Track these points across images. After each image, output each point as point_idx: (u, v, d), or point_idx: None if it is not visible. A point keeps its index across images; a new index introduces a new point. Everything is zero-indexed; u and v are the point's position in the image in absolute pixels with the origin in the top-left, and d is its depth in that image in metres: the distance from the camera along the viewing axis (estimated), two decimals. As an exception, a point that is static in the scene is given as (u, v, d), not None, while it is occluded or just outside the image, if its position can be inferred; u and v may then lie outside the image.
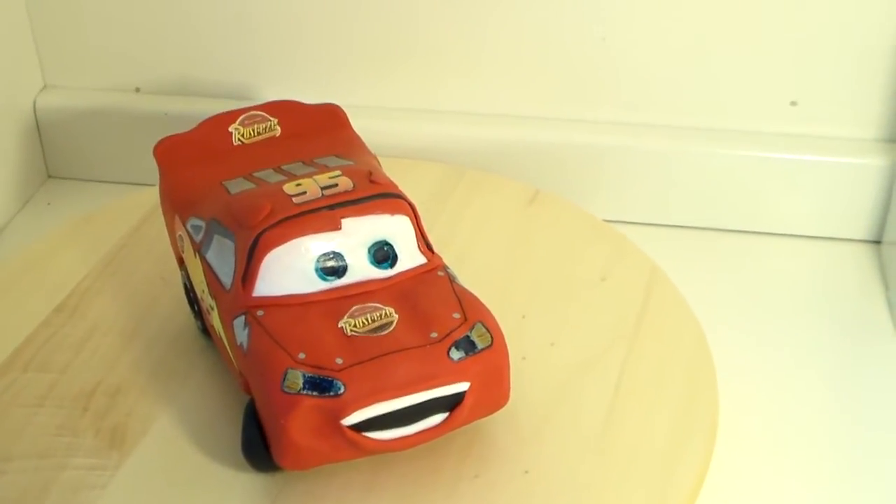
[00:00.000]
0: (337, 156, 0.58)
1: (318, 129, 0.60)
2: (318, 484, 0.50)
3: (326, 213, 0.51)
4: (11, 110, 0.75)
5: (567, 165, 0.72)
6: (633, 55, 0.70)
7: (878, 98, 0.69)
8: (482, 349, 0.49)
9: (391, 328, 0.49)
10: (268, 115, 0.60)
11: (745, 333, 0.63)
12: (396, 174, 0.56)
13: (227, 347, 0.52)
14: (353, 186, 0.52)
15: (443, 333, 0.49)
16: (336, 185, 0.52)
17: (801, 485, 0.55)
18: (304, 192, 0.52)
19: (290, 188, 0.52)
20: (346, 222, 0.51)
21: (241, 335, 0.50)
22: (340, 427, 0.47)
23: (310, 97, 0.62)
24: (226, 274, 0.51)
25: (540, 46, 0.71)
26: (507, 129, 0.73)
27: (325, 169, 0.55)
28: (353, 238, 0.51)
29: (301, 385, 0.47)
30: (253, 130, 0.59)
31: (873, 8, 0.66)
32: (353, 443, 0.47)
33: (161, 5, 0.74)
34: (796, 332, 0.64)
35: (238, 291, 0.50)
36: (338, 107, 0.62)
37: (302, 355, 0.48)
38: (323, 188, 0.52)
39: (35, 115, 0.77)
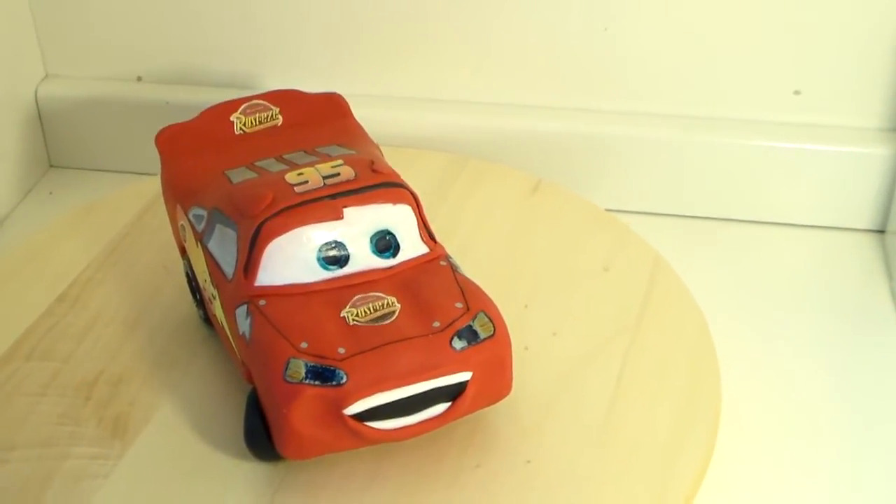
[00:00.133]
0: (339, 145, 0.58)
1: (320, 119, 0.60)
2: (321, 473, 0.50)
3: (328, 202, 0.51)
4: (13, 100, 0.75)
5: (570, 155, 0.72)
6: (635, 45, 0.70)
7: (881, 87, 0.69)
8: (484, 339, 0.49)
9: (393, 318, 0.49)
10: (270, 104, 0.59)
11: (748, 323, 0.63)
12: (399, 163, 0.56)
13: (230, 337, 0.52)
14: (355, 175, 0.52)
15: (445, 323, 0.49)
16: (338, 174, 0.52)
17: (803, 475, 0.55)
18: (306, 182, 0.52)
19: (291, 177, 0.52)
20: (348, 211, 0.51)
21: (244, 324, 0.50)
22: (342, 416, 0.47)
23: (312, 86, 0.62)
24: (228, 263, 0.51)
25: (543, 36, 0.71)
26: (509, 119, 0.72)
27: (327, 158, 0.54)
28: (355, 227, 0.51)
29: (303, 374, 0.47)
30: (255, 119, 0.59)
31: (877, -3, 0.66)
32: (356, 432, 0.47)
33: (163, -6, 0.74)
34: (799, 321, 0.64)
35: (240, 281, 0.50)
36: (340, 96, 0.62)
37: (304, 345, 0.48)
38: (325, 177, 0.52)
39: (37, 105, 0.77)
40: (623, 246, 0.64)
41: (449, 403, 0.49)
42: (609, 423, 0.53)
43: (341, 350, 0.48)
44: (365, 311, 0.49)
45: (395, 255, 0.52)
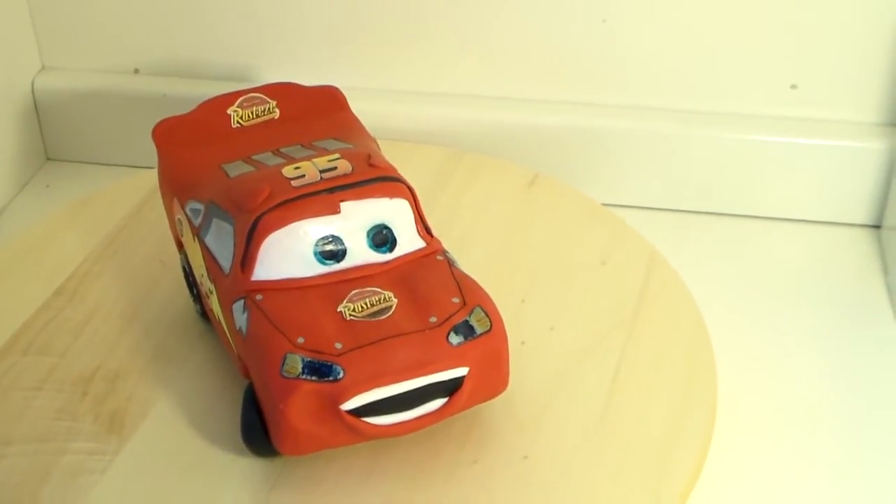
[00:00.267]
0: (336, 139, 0.57)
1: (317, 112, 0.60)
2: (317, 469, 0.50)
3: (325, 196, 0.51)
4: (9, 92, 0.75)
5: (566, 149, 0.72)
6: (633, 38, 0.70)
7: (878, 81, 0.69)
8: (481, 334, 0.49)
9: (390, 312, 0.49)
10: (267, 98, 0.59)
11: (744, 318, 0.63)
12: (395, 157, 0.56)
13: (227, 332, 0.52)
14: (352, 170, 0.52)
15: (442, 318, 0.49)
16: (335, 168, 0.52)
17: (800, 469, 0.55)
18: (303, 176, 0.52)
19: (288, 171, 0.52)
20: (345, 206, 0.51)
21: (240, 319, 0.50)
22: (339, 412, 0.47)
23: (309, 79, 0.62)
24: (225, 258, 0.51)
25: (540, 29, 0.71)
26: (506, 112, 0.72)
27: (324, 152, 0.54)
28: (352, 222, 0.51)
29: (300, 370, 0.47)
30: (252, 113, 0.59)
31: (875, -9, 0.66)
32: (352, 428, 0.47)
33: (159, -14, 0.73)
34: (795, 316, 0.64)
35: (237, 275, 0.50)
36: (337, 89, 0.61)
37: (301, 340, 0.48)
38: (322, 171, 0.52)
39: (33, 97, 0.77)
40: (620, 240, 0.64)
41: (446, 399, 0.49)
42: (606, 417, 0.53)
43: (338, 345, 0.48)
44: (362, 306, 0.49)
45: (391, 249, 0.52)
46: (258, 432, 0.49)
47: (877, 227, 0.70)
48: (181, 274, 0.59)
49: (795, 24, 0.68)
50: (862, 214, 0.70)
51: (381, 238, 0.51)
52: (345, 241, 0.51)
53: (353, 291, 0.50)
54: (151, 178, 0.63)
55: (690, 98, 0.71)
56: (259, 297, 0.50)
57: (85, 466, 0.51)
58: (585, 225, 0.65)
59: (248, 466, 0.51)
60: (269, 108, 0.59)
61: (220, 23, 0.74)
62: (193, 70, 0.76)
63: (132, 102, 0.76)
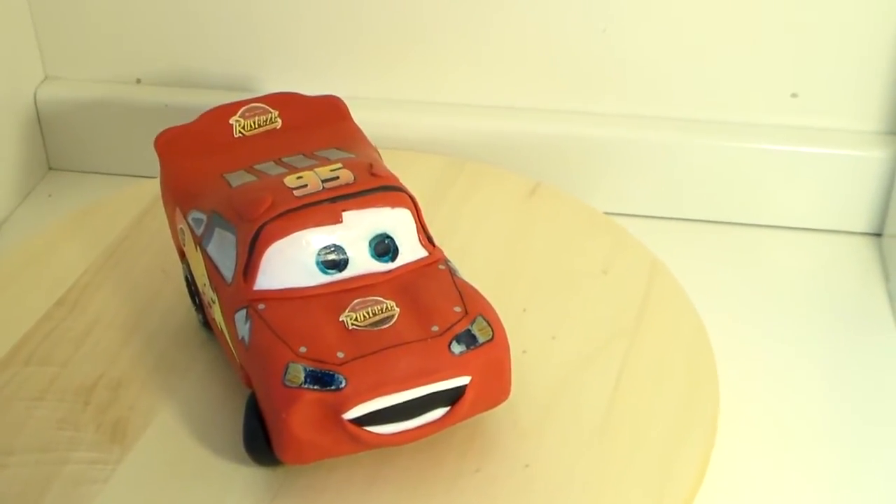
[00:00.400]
0: (338, 148, 0.58)
1: (318, 122, 0.60)
2: (319, 478, 0.50)
3: (327, 205, 0.51)
4: (12, 102, 0.75)
5: (567, 158, 0.72)
6: (633, 47, 0.70)
7: (878, 90, 0.69)
8: (483, 343, 0.49)
9: (392, 322, 0.49)
10: (268, 108, 0.59)
11: (745, 326, 0.63)
12: (397, 166, 0.56)
13: (229, 341, 0.52)
14: (354, 179, 0.52)
15: (444, 327, 0.49)
16: (337, 177, 0.52)
17: (802, 477, 0.55)
18: (305, 185, 0.52)
19: (290, 181, 0.52)
20: (347, 215, 0.51)
21: (243, 329, 0.50)
22: (342, 421, 0.47)
23: (311, 89, 0.62)
24: (227, 267, 0.52)
25: (541, 38, 0.71)
26: (507, 122, 0.72)
27: (326, 161, 0.55)
28: (354, 231, 0.51)
29: (302, 379, 0.47)
30: (254, 122, 0.59)
31: (874, 0, 0.66)
32: (355, 437, 0.47)
33: (161, -3, 0.74)
34: (797, 324, 0.64)
35: (239, 285, 0.50)
36: (338, 99, 0.62)
37: (303, 349, 0.48)
38: (324, 181, 0.52)
39: (36, 107, 0.77)
40: (621, 249, 0.64)
41: (448, 408, 0.49)
42: (607, 426, 0.53)
43: (340, 354, 0.48)
44: (364, 316, 0.49)
45: (393, 258, 0.52)
46: (260, 441, 0.49)
47: (878, 234, 0.70)
48: (183, 283, 0.59)
49: (796, 33, 0.68)
50: (863, 222, 0.70)
51: (383, 247, 0.52)
52: (347, 250, 0.51)
53: (356, 301, 0.50)
54: (153, 187, 0.63)
55: (691, 107, 0.71)
56: (261, 306, 0.50)
57: (87, 476, 0.51)
58: (587, 234, 0.65)
59: (250, 475, 0.51)
60: (271, 118, 0.59)
61: (221, 33, 0.74)
62: (195, 80, 0.76)
63: (134, 112, 0.76)
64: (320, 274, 0.50)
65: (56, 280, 0.62)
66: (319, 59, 0.74)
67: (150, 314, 0.60)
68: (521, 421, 0.53)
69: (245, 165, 0.56)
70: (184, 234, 0.56)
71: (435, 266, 0.52)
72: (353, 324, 0.49)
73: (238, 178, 0.55)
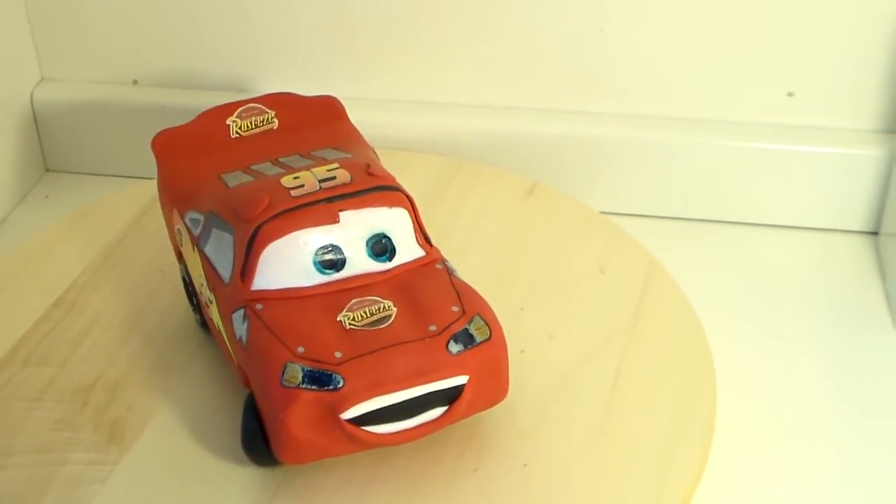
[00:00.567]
0: (335, 148, 0.58)
1: (315, 122, 0.60)
2: (318, 478, 0.50)
3: (324, 205, 0.51)
4: (8, 103, 0.75)
5: (564, 157, 0.72)
6: (630, 47, 0.70)
7: (875, 89, 0.69)
8: (481, 342, 0.49)
9: (390, 321, 0.49)
10: (265, 108, 0.59)
11: (742, 325, 0.63)
12: (394, 166, 0.56)
13: (227, 341, 0.52)
14: (351, 179, 0.52)
15: (441, 326, 0.49)
16: (334, 177, 0.52)
17: (799, 476, 0.55)
18: (302, 185, 0.52)
19: (287, 181, 0.52)
20: (345, 215, 0.51)
21: (240, 329, 0.50)
22: (340, 421, 0.47)
23: (307, 89, 0.62)
24: (224, 267, 0.52)
25: (538, 38, 0.71)
26: (504, 121, 0.72)
27: (323, 161, 0.55)
28: (352, 231, 0.51)
29: (300, 379, 0.47)
30: (250, 123, 0.59)
31: (870, -1, 0.66)
32: (353, 437, 0.48)
33: (158, -2, 0.74)
34: (794, 323, 0.64)
35: (237, 285, 0.50)
36: (335, 99, 0.62)
37: (301, 349, 0.48)
38: (321, 181, 0.52)
39: (32, 108, 0.77)
40: (618, 248, 0.64)
41: (446, 407, 0.49)
42: (605, 425, 0.53)
43: (338, 354, 0.48)
44: (361, 315, 0.49)
45: (391, 258, 0.52)
46: (258, 441, 0.49)
47: (874, 233, 0.70)
48: (181, 284, 0.59)
49: (791, 32, 0.68)
50: (859, 221, 0.70)
51: (381, 247, 0.52)
52: (344, 250, 0.51)
53: (353, 300, 0.50)
54: (150, 188, 0.63)
55: (688, 106, 0.71)
56: (259, 306, 0.50)
57: (85, 477, 0.51)
58: (584, 233, 0.65)
59: (248, 476, 0.51)
60: (268, 119, 0.59)
61: (218, 34, 0.74)
62: (192, 81, 0.76)
63: (131, 113, 0.76)
64: (318, 274, 0.51)
65: (54, 281, 0.62)
66: (316, 60, 0.74)
67: (148, 315, 0.60)
68: (519, 420, 0.53)
69: (242, 166, 0.56)
70: (181, 235, 0.56)
71: (432, 266, 0.52)
72: (350, 323, 0.49)
73: (235, 179, 0.55)
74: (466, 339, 0.49)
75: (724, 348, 0.58)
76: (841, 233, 0.71)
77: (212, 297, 0.52)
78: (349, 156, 0.56)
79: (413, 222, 0.53)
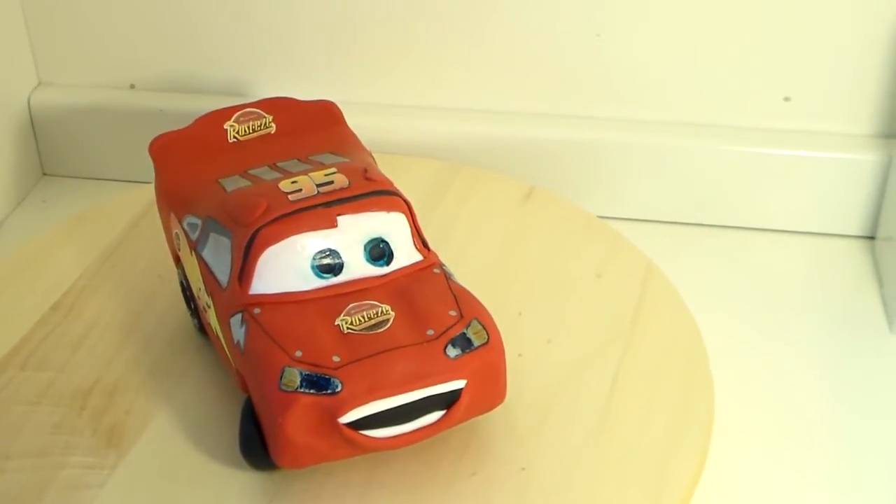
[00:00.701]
0: (332, 153, 0.58)
1: (313, 126, 0.60)
2: (316, 482, 0.50)
3: (322, 210, 0.51)
4: (6, 107, 0.75)
5: (562, 162, 0.72)
6: (627, 51, 0.70)
7: (871, 94, 0.69)
8: (478, 346, 0.49)
9: (387, 326, 0.49)
10: (263, 112, 0.59)
11: (740, 329, 0.63)
12: (391, 171, 0.56)
13: (224, 345, 0.52)
14: (349, 183, 0.52)
15: (439, 331, 0.49)
16: (331, 182, 0.52)
17: (797, 479, 0.55)
18: (300, 190, 0.52)
19: (285, 185, 0.52)
20: (342, 220, 0.51)
21: (238, 333, 0.50)
22: (338, 425, 0.47)
23: (305, 94, 0.62)
24: (222, 272, 0.52)
25: (535, 42, 0.71)
26: (501, 126, 0.73)
27: (321, 166, 0.55)
28: (349, 235, 0.51)
29: (298, 383, 0.47)
30: (248, 127, 0.59)
31: (867, 3, 0.66)
32: (351, 441, 0.48)
33: (156, 2, 0.73)
34: (791, 328, 0.64)
35: (235, 289, 0.50)
36: (333, 103, 0.62)
37: (299, 353, 0.48)
38: (318, 185, 0.52)
39: (30, 113, 0.77)
40: (616, 253, 0.64)
41: (443, 411, 0.49)
42: (603, 429, 0.53)
43: (336, 358, 0.48)
44: (359, 320, 0.49)
45: (388, 262, 0.52)
46: (256, 446, 0.49)
47: (871, 238, 0.71)
48: (178, 288, 0.59)
49: (788, 37, 0.68)
50: (856, 226, 0.71)
51: (378, 251, 0.52)
52: (342, 254, 0.51)
53: (351, 305, 0.50)
54: (148, 192, 0.63)
55: (685, 111, 0.71)
56: (257, 310, 0.50)
57: (83, 481, 0.51)
58: (581, 237, 0.65)
59: (246, 480, 0.51)
60: (265, 123, 0.59)
61: (216, 38, 0.74)
62: (189, 85, 0.76)
63: (128, 118, 0.76)
64: (315, 278, 0.51)
65: (51, 285, 0.62)
66: (314, 64, 0.74)
67: (146, 319, 0.60)
68: (517, 424, 0.53)
69: (240, 170, 0.56)
70: (179, 239, 0.56)
71: (430, 270, 0.52)
72: (348, 328, 0.49)
73: (233, 183, 0.55)
74: (464, 343, 0.49)
75: (721, 352, 0.58)
76: (838, 237, 0.71)
77: (210, 302, 0.52)
78: (347, 160, 0.56)
79: (411, 227, 0.53)
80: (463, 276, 0.53)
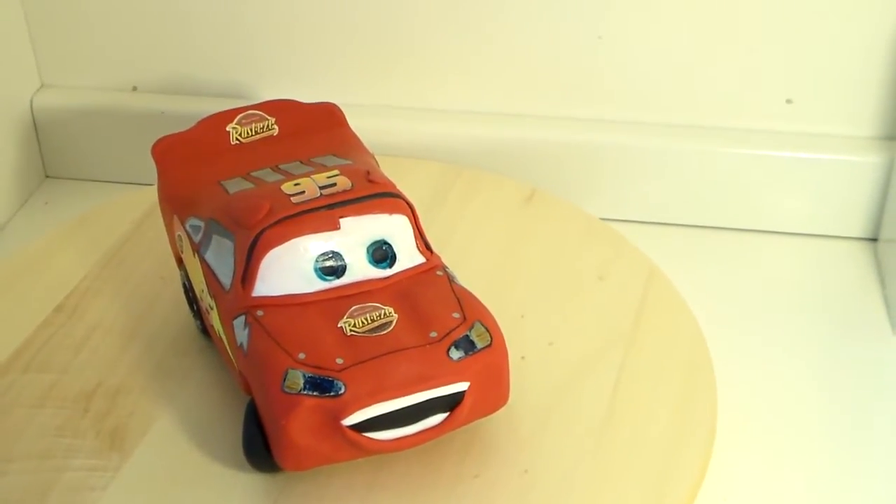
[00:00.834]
0: (335, 155, 0.58)
1: (315, 129, 0.60)
2: (319, 484, 0.50)
3: (325, 212, 0.51)
4: (8, 110, 0.75)
5: (564, 164, 0.72)
6: (629, 54, 0.70)
7: (873, 95, 0.69)
8: (481, 349, 0.49)
9: (391, 328, 0.49)
10: (265, 115, 0.60)
11: (742, 332, 0.63)
12: (394, 173, 0.56)
13: (227, 348, 0.52)
14: (352, 186, 0.52)
15: (442, 333, 0.49)
16: (334, 184, 0.52)
17: (800, 482, 0.55)
18: (303, 192, 0.52)
19: (288, 188, 0.52)
20: (345, 222, 0.51)
21: (241, 335, 0.50)
22: (341, 427, 0.47)
23: (307, 96, 0.62)
24: (225, 274, 0.52)
25: (537, 45, 0.71)
26: (504, 128, 0.73)
27: (323, 168, 0.55)
28: (352, 237, 0.51)
29: (301, 385, 0.47)
30: (251, 129, 0.59)
31: (868, 5, 0.66)
32: (354, 443, 0.48)
33: (158, 4, 0.73)
34: (793, 330, 0.64)
35: (237, 291, 0.50)
36: (335, 106, 0.62)
37: (302, 355, 0.48)
38: (321, 187, 0.52)
39: (32, 115, 0.77)
40: (618, 255, 0.64)
41: (446, 414, 0.49)
42: (606, 431, 0.53)
43: (339, 360, 0.48)
44: (362, 322, 0.49)
45: (391, 265, 0.52)
46: (260, 448, 0.49)
47: (873, 240, 0.71)
48: (181, 290, 0.59)
49: (790, 39, 0.68)
50: (858, 228, 0.71)
51: (381, 254, 0.52)
52: (345, 256, 0.51)
53: (354, 307, 0.50)
54: (151, 194, 0.63)
55: (687, 113, 0.71)
56: (260, 312, 0.50)
57: (86, 483, 0.51)
58: (584, 240, 0.65)
59: (249, 482, 0.51)
60: (267, 125, 0.60)
61: (218, 41, 0.74)
62: (192, 88, 0.76)
63: (131, 120, 0.76)
64: (318, 280, 0.51)
65: (54, 287, 0.62)
66: (316, 67, 0.74)
67: (149, 321, 0.60)
68: (520, 426, 0.53)
69: (242, 172, 0.56)
70: (181, 242, 0.56)
71: (433, 272, 0.52)
72: (351, 330, 0.49)
73: (235, 186, 0.55)
74: (467, 345, 0.49)
75: (724, 354, 0.58)
76: (840, 239, 0.71)
77: (212, 304, 0.52)
78: (349, 162, 0.56)
79: (413, 229, 0.53)
80: (465, 279, 0.53)
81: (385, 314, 0.50)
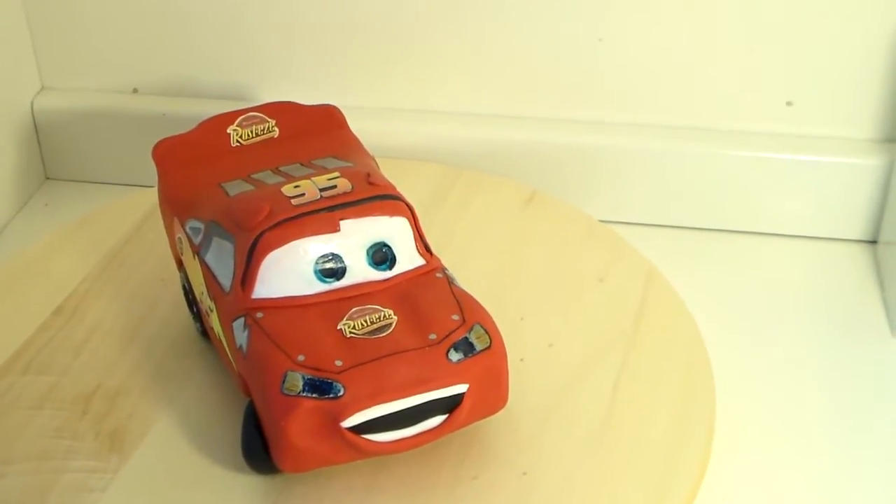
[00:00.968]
0: (335, 157, 0.58)
1: (315, 131, 0.60)
2: (318, 486, 0.50)
3: (325, 214, 0.51)
4: (9, 112, 0.75)
5: (564, 166, 0.72)
6: (629, 56, 0.70)
7: (873, 98, 0.69)
8: (481, 351, 0.49)
9: (390, 330, 0.49)
10: (266, 117, 0.60)
11: (741, 334, 0.63)
12: (394, 175, 0.56)
13: (227, 349, 0.52)
14: (352, 188, 0.52)
15: (442, 335, 0.49)
16: (334, 186, 0.52)
17: (799, 484, 0.55)
18: (303, 194, 0.52)
19: (288, 190, 0.52)
20: (345, 224, 0.51)
21: (241, 337, 0.50)
22: (340, 429, 0.47)
23: (307, 98, 0.62)
24: (225, 276, 0.52)
25: (538, 47, 0.71)
26: (504, 130, 0.73)
27: (324, 170, 0.55)
28: (352, 240, 0.51)
29: (301, 387, 0.47)
30: (251, 132, 0.59)
31: (868, 8, 0.66)
32: (353, 445, 0.48)
33: (158, 6, 0.74)
34: (793, 332, 0.64)
35: (237, 293, 0.51)
36: (335, 108, 0.62)
37: (301, 357, 0.48)
38: (321, 190, 0.52)
39: (33, 117, 0.77)
40: (617, 257, 0.64)
41: (445, 416, 0.49)
42: (605, 433, 0.53)
43: (338, 363, 0.48)
44: (362, 324, 0.49)
45: (391, 267, 0.52)
46: (259, 450, 0.49)
47: (873, 242, 0.71)
48: (181, 292, 0.59)
49: (790, 42, 0.68)
50: (858, 230, 0.71)
51: (381, 256, 0.52)
52: (345, 259, 0.51)
53: (353, 309, 0.50)
54: (151, 196, 0.63)
55: (687, 115, 0.71)
56: (259, 314, 0.50)
57: (85, 485, 0.51)
58: (583, 242, 0.65)
59: (248, 484, 0.51)
60: (268, 128, 0.60)
61: (218, 43, 0.74)
62: (192, 90, 0.76)
63: (131, 122, 0.76)
64: (318, 282, 0.51)
65: (54, 289, 0.62)
66: (316, 69, 0.74)
67: (149, 323, 0.60)
68: (519, 428, 0.53)
69: (243, 174, 0.56)
70: (182, 243, 0.56)
71: (432, 274, 0.52)
72: (350, 332, 0.49)
73: (236, 188, 0.55)
74: (467, 347, 0.49)
75: (723, 356, 0.58)
76: (840, 241, 0.71)
77: (212, 306, 0.52)
78: (350, 164, 0.56)
79: (413, 231, 0.53)
80: (465, 281, 0.53)
81: (384, 316, 0.50)
